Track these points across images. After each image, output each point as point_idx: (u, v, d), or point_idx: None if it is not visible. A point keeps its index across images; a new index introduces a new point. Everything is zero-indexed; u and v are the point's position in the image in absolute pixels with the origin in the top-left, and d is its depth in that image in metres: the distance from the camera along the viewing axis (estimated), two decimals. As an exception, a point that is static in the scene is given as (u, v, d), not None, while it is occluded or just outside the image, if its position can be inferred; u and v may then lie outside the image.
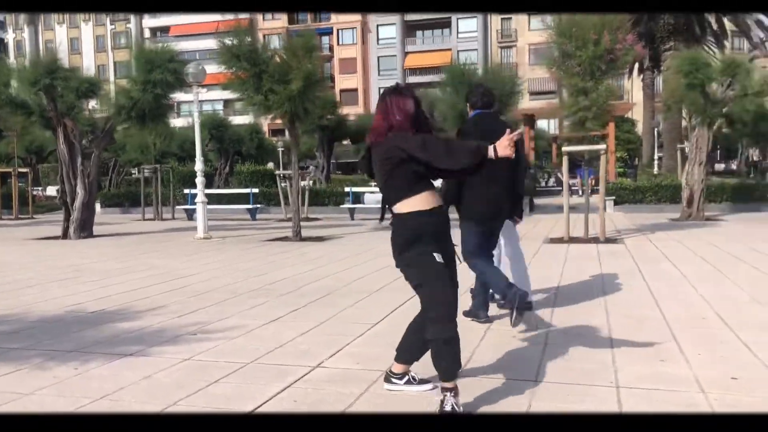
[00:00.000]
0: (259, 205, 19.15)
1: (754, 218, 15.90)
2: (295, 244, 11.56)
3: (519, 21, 65.66)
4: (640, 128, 39.60)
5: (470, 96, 5.25)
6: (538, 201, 21.82)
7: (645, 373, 3.82)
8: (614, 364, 4.02)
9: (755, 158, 38.48)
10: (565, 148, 11.51)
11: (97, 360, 4.33)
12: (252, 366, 4.14)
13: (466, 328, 4.55)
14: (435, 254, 3.20)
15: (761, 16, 27.00)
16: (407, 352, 3.54)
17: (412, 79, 66.80)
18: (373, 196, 18.24)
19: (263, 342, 4.72)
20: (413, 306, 5.81)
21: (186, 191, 19.37)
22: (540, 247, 10.38)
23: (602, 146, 11.37)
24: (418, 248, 3.20)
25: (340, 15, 64.08)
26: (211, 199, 17.20)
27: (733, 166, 41.44)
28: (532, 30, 64.84)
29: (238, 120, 32.57)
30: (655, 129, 34.30)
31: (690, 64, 14.95)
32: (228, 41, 11.63)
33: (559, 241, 11.15)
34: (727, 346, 4.39)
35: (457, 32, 66.10)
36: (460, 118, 16.62)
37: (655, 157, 33.28)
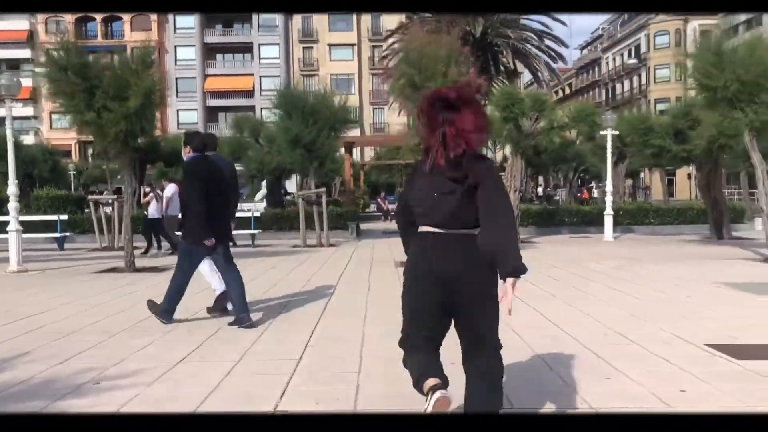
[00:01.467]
0: (67, 234, 17.32)
1: (559, 240, 17.51)
2: (133, 276, 10.55)
3: (320, 50, 67.05)
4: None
5: (190, 140, 6.17)
6: (363, 226, 22.19)
7: (607, 392, 3.95)
8: (571, 385, 4.11)
9: (548, 189, 42.54)
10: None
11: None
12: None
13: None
14: None
15: (549, 60, 30.17)
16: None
17: (213, 102, 65.27)
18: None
19: (191, 387, 4.18)
20: (329, 334, 5.56)
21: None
22: (398, 272, 10.49)
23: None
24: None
25: (134, 34, 60.77)
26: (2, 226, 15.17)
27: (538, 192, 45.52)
28: (333, 60, 66.66)
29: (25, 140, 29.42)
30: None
31: (507, 98, 16.18)
32: (54, 52, 10.44)
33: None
34: (649, 361, 4.70)
35: (260, 58, 65.76)
36: (296, 142, 16.48)
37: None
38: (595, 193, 43.11)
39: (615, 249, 14.36)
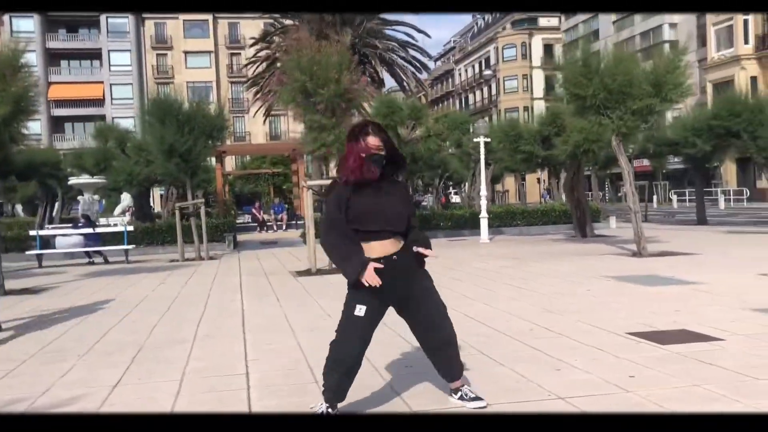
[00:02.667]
0: None
1: (439, 243, 17.99)
2: (5, 300, 9.63)
3: (175, 57, 64.78)
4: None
5: None
6: (239, 237, 21.64)
7: (565, 382, 4.14)
8: (529, 378, 4.27)
9: (416, 195, 43.53)
10: (310, 182, 11.69)
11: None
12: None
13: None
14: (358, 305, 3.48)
15: (414, 70, 31.03)
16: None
17: (59, 112, 61.13)
18: (67, 239, 16.17)
19: (146, 409, 3.90)
20: (259, 348, 5.38)
21: None
22: (299, 282, 10.35)
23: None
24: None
25: (-36, 35, 55.52)
26: None
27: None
28: (189, 68, 64.60)
29: None
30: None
31: (387, 107, 16.52)
32: None
33: (308, 273, 11.26)
34: (584, 351, 4.98)
35: (110, 65, 62.39)
36: (171, 152, 15.79)
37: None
38: (457, 198, 44.87)
39: (494, 250, 15.02)
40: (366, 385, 4.18)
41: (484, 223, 17.84)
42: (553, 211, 22.10)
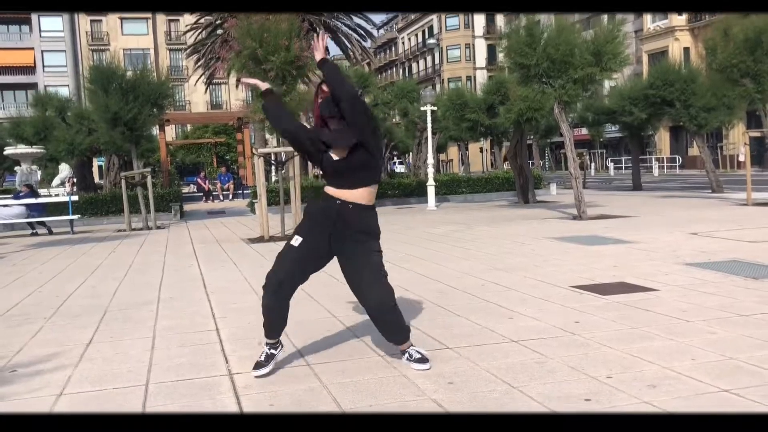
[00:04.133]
0: None
1: (388, 211, 18.31)
2: (-48, 270, 9.50)
3: (110, 23, 62.64)
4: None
5: None
6: (185, 207, 21.48)
7: (517, 328, 4.51)
8: (484, 325, 4.62)
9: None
10: (261, 150, 11.77)
11: None
12: (160, 386, 3.59)
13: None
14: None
15: (359, 38, 30.87)
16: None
17: (-12, 80, 58.42)
18: (8, 210, 15.80)
19: (123, 363, 4.08)
20: (225, 307, 5.54)
21: None
22: (253, 248, 10.50)
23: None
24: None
25: None
26: None
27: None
28: (126, 35, 62.59)
29: None
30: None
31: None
32: None
33: (261, 240, 11.40)
34: (533, 302, 5.36)
35: (40, 30, 59.89)
36: (114, 120, 15.55)
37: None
38: (402, 168, 45.24)
39: (442, 216, 15.43)
40: (332, 338, 4.47)
41: (431, 191, 18.22)
42: (496, 178, 22.66)
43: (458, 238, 10.27)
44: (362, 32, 31.90)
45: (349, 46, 30.96)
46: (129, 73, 16.27)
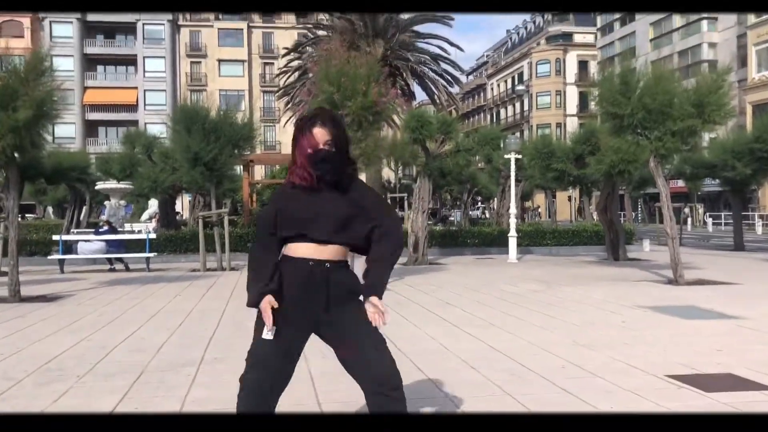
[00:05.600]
0: (-68, 258, 15.45)
1: (466, 261, 17.59)
2: (19, 307, 9.44)
3: (209, 65, 65.33)
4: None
5: None
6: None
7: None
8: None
9: (443, 209, 43.10)
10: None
11: None
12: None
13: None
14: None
15: (446, 84, 30.66)
16: None
17: (93, 116, 62.01)
18: (88, 245, 16.04)
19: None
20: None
21: None
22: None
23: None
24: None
25: (4, 41, 56.78)
26: None
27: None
28: (222, 76, 65.07)
29: None
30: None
31: (417, 120, 16.15)
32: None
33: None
34: (622, 396, 4.54)
35: (144, 71, 63.12)
36: (195, 160, 15.64)
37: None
38: (486, 214, 44.32)
39: (523, 270, 14.54)
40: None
41: (512, 243, 17.36)
42: (584, 231, 21.52)
43: (537, 301, 9.41)
44: (449, 78, 31.68)
45: (435, 91, 30.75)
46: (212, 114, 16.41)
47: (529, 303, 9.17)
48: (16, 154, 10.28)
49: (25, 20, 59.85)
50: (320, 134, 2.82)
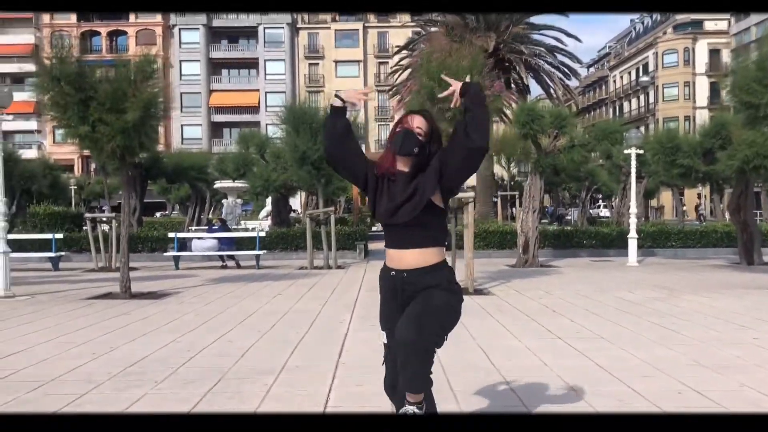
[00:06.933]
0: (62, 253, 16.49)
1: (580, 264, 16.61)
2: (127, 304, 9.70)
3: (326, 67, 66.59)
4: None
5: None
6: (371, 246, 21.32)
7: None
8: None
9: (558, 208, 41.52)
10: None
11: None
12: None
13: None
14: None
15: (562, 76, 29.35)
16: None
17: (218, 118, 64.79)
18: (201, 242, 16.51)
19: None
20: (344, 390, 4.71)
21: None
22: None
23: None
24: None
25: (139, 48, 60.36)
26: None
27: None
28: (339, 77, 66.13)
29: (25, 154, 28.77)
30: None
31: (527, 115, 15.39)
32: (47, 60, 9.67)
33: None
34: None
35: (265, 73, 65.28)
36: (303, 159, 15.70)
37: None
38: (607, 213, 42.29)
39: (643, 275, 13.47)
40: None
41: (632, 245, 16.20)
42: (714, 232, 19.84)
43: (656, 311, 8.54)
44: (566, 70, 30.32)
45: (551, 85, 29.53)
46: (320, 114, 16.43)
47: (647, 313, 8.33)
48: (126, 156, 10.57)
49: (157, 28, 63.51)
50: (415, 119, 3.03)
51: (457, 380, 4.90)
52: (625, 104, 75.16)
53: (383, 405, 4.44)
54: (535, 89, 34.63)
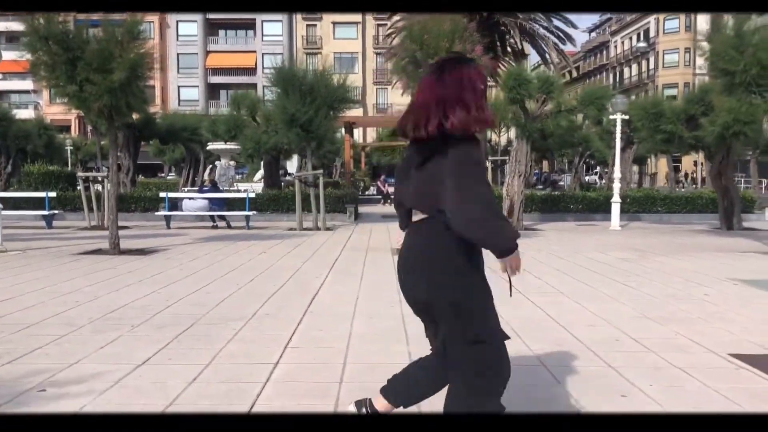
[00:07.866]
0: (55, 212, 16.80)
1: (565, 227, 16.98)
2: (114, 259, 10.04)
3: (324, 28, 66.08)
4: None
5: None
6: (362, 209, 21.67)
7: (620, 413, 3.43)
8: (580, 406, 3.59)
9: (552, 173, 41.74)
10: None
11: None
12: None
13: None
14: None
15: (557, 41, 29.32)
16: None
17: (215, 79, 64.53)
18: (192, 203, 16.82)
19: (146, 397, 3.67)
20: (306, 335, 5.07)
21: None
22: (395, 259, 9.97)
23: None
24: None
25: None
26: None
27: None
28: (337, 38, 65.70)
29: (21, 114, 28.89)
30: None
31: (513, 80, 15.54)
32: (36, 21, 9.84)
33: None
34: (667, 374, 4.18)
35: (262, 34, 64.87)
36: (292, 121, 15.88)
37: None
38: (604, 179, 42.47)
39: (621, 239, 13.82)
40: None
41: (615, 209, 16.52)
42: (699, 198, 20.17)
43: (623, 270, 8.89)
44: (560, 35, 30.27)
45: (545, 50, 29.52)
46: (309, 76, 16.55)
47: (613, 272, 8.68)
48: (114, 116, 10.80)
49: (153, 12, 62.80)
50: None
51: (413, 321, 5.25)
52: (626, 70, 74.79)
53: (341, 347, 4.80)
54: (535, 56, 34.55)
